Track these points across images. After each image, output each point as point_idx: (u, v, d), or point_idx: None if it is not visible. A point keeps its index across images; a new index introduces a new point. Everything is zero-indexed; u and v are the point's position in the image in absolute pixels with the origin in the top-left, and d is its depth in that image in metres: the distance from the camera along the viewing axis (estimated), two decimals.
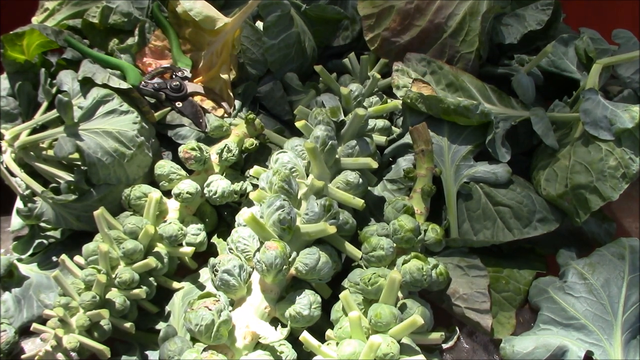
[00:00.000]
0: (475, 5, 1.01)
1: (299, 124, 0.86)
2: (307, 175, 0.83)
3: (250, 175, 0.90)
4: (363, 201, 0.80)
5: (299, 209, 0.78)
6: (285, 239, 0.73)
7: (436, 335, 0.71)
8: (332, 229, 0.73)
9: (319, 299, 0.72)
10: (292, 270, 0.73)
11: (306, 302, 0.70)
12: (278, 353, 0.68)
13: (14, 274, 0.88)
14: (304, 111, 0.91)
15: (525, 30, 1.06)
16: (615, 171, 0.81)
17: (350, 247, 0.79)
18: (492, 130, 0.91)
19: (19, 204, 0.91)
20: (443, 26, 1.02)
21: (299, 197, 0.79)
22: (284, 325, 0.72)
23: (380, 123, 0.94)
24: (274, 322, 0.73)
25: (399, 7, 1.02)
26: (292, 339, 0.73)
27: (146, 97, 0.97)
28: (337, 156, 0.85)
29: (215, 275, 0.71)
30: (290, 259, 0.71)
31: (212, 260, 0.73)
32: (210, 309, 0.65)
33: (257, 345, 0.69)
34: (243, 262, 0.72)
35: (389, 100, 1.00)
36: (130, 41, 1.04)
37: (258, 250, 0.71)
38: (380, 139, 0.93)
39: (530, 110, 0.95)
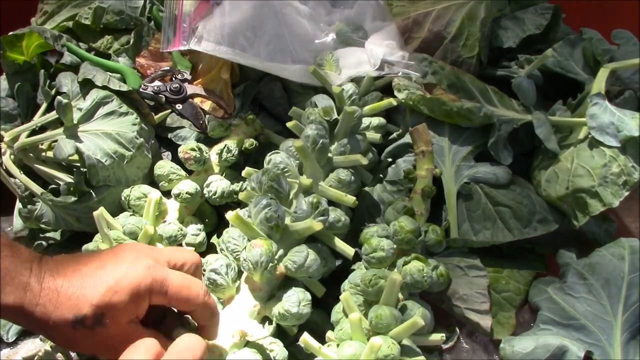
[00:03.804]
0: (473, 9, 1.02)
1: (290, 124, 0.87)
2: (302, 175, 0.83)
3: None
4: (354, 198, 0.80)
5: (290, 209, 0.78)
6: (275, 238, 0.73)
7: (437, 337, 0.72)
8: (319, 226, 0.73)
9: (308, 296, 0.72)
10: (282, 269, 0.73)
11: (295, 300, 0.70)
12: (268, 352, 0.68)
13: None
14: (298, 112, 0.91)
15: (524, 34, 1.06)
16: (617, 178, 0.81)
17: (341, 244, 0.79)
18: (495, 132, 0.91)
19: (19, 205, 0.91)
20: (443, 33, 1.02)
21: (290, 196, 0.79)
22: (271, 323, 0.72)
23: (376, 121, 0.94)
24: (265, 321, 0.73)
25: (397, 24, 1.04)
26: (291, 339, 0.73)
27: (146, 100, 0.97)
28: (330, 155, 0.85)
29: (203, 275, 0.72)
30: (277, 257, 0.71)
31: (201, 259, 0.73)
32: None
33: (247, 343, 0.69)
34: (231, 261, 0.72)
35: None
36: (124, 40, 1.04)
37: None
38: (374, 136, 0.93)
39: (532, 113, 0.95)
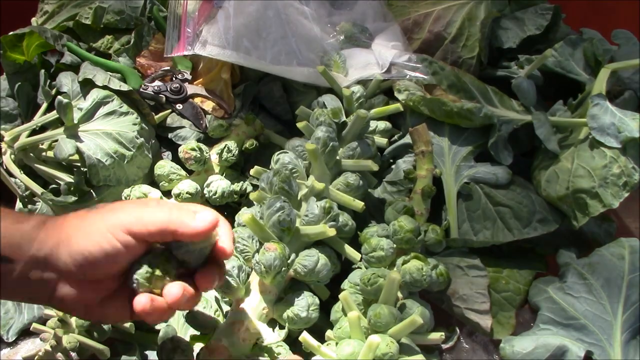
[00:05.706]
0: (473, 10, 1.02)
1: (300, 125, 0.86)
2: (308, 176, 0.83)
3: (250, 176, 0.90)
4: (363, 203, 0.80)
5: (299, 210, 0.78)
6: (285, 240, 0.73)
7: (436, 336, 0.71)
8: (332, 232, 0.73)
9: (317, 301, 0.72)
10: (291, 272, 0.73)
11: (304, 304, 0.70)
12: (275, 354, 0.68)
13: None
14: (306, 112, 0.91)
15: (524, 35, 1.06)
16: (617, 179, 0.81)
17: (349, 250, 0.79)
18: (495, 133, 0.91)
19: (19, 205, 0.91)
20: (443, 33, 1.03)
21: (299, 198, 0.79)
22: (281, 327, 0.72)
23: (382, 125, 0.94)
24: (272, 323, 0.73)
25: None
26: (292, 339, 0.73)
27: (146, 100, 0.97)
28: (337, 157, 0.85)
29: None
30: (289, 260, 0.71)
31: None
32: None
33: (254, 346, 0.69)
34: (242, 263, 0.72)
35: (390, 102, 1.00)
36: (124, 39, 1.04)
37: (257, 251, 0.71)
38: (381, 140, 0.93)
39: (532, 113, 0.95)
